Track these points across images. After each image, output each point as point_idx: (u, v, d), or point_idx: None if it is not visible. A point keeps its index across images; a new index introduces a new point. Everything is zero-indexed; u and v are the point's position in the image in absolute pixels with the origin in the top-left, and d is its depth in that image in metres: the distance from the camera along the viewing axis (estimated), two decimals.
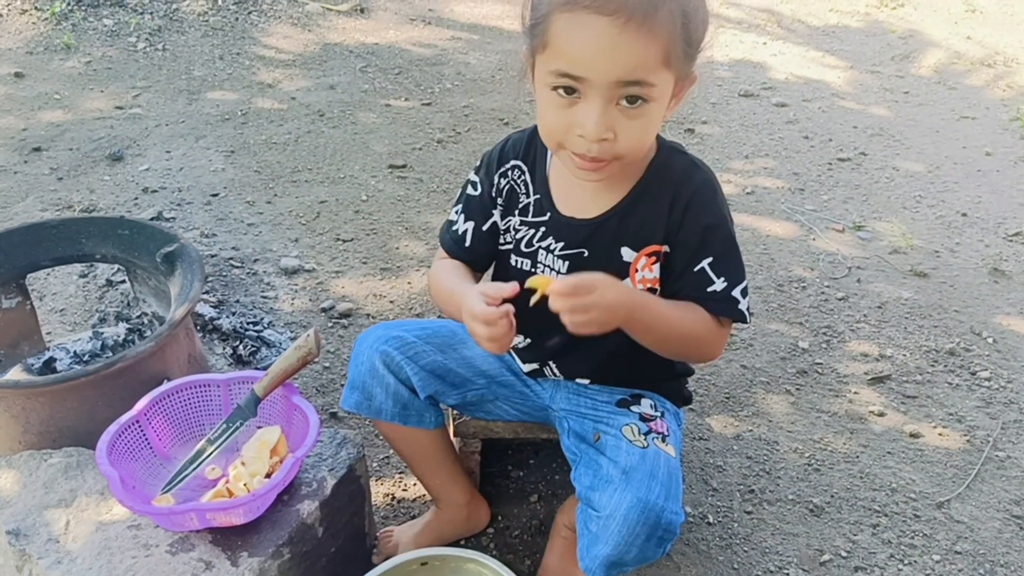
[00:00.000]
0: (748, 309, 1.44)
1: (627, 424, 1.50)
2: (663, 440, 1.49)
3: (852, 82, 3.72)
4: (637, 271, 1.45)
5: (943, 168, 3.12)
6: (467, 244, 1.58)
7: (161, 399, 1.62)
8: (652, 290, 1.45)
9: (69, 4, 3.97)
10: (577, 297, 1.24)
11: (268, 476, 1.50)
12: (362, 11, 4.21)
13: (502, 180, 1.53)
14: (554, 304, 1.25)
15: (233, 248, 2.64)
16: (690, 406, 1.82)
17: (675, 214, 1.40)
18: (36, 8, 3.97)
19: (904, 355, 2.33)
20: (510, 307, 1.28)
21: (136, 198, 2.87)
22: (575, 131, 1.27)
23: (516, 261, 1.55)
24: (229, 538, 1.44)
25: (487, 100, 3.49)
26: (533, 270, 1.52)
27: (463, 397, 1.64)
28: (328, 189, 2.95)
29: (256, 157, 3.12)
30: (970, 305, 2.50)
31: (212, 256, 2.59)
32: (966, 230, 2.80)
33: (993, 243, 2.73)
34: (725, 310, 1.43)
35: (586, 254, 1.46)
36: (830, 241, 2.73)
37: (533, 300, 1.27)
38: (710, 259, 1.41)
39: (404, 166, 3.08)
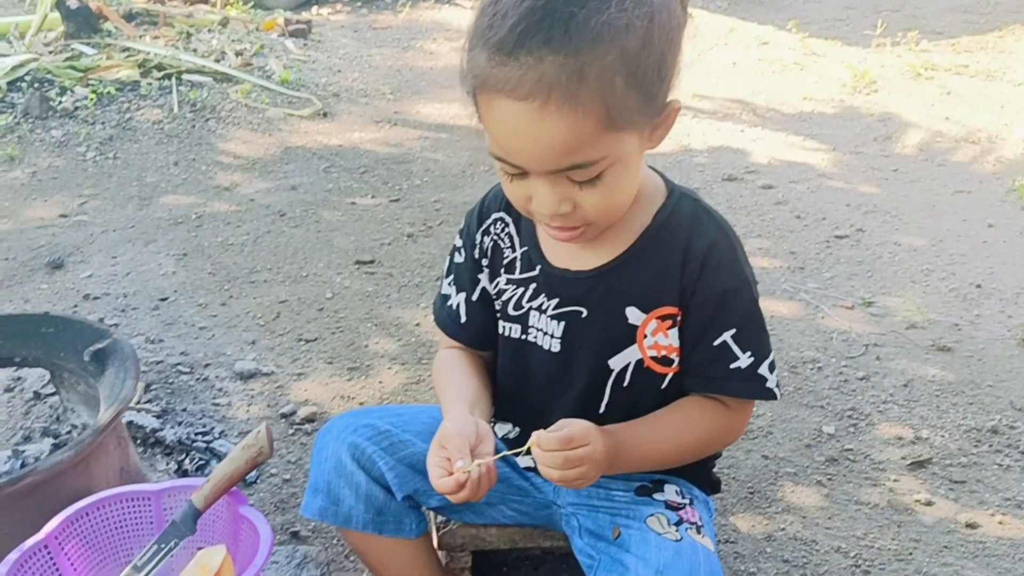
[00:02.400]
0: (778, 385, 1.23)
1: (652, 515, 1.24)
2: (698, 531, 1.22)
3: (837, 163, 3.60)
4: (645, 336, 1.21)
5: (947, 241, 2.95)
6: (463, 321, 1.35)
7: (77, 518, 1.33)
8: (667, 359, 1.23)
9: (16, 117, 3.79)
10: (571, 449, 1.08)
11: None
12: (325, 115, 4.06)
13: (485, 238, 1.32)
14: (541, 458, 1.08)
15: (182, 353, 2.36)
16: (719, 495, 1.54)
17: (689, 272, 1.18)
18: None
19: (942, 436, 2.07)
20: (472, 470, 1.09)
21: (75, 305, 2.60)
22: (533, 203, 1.09)
23: (505, 328, 1.32)
24: None
25: (459, 194, 3.31)
26: (523, 337, 1.28)
27: None
28: (289, 288, 2.70)
29: (211, 259, 2.87)
30: (1004, 379, 2.26)
31: (157, 363, 2.31)
32: (983, 301, 2.60)
33: (1016, 313, 2.53)
34: (751, 391, 1.22)
35: (584, 314, 1.23)
36: (840, 319, 2.51)
37: (523, 449, 1.12)
38: (732, 331, 1.19)
39: (372, 261, 2.85)
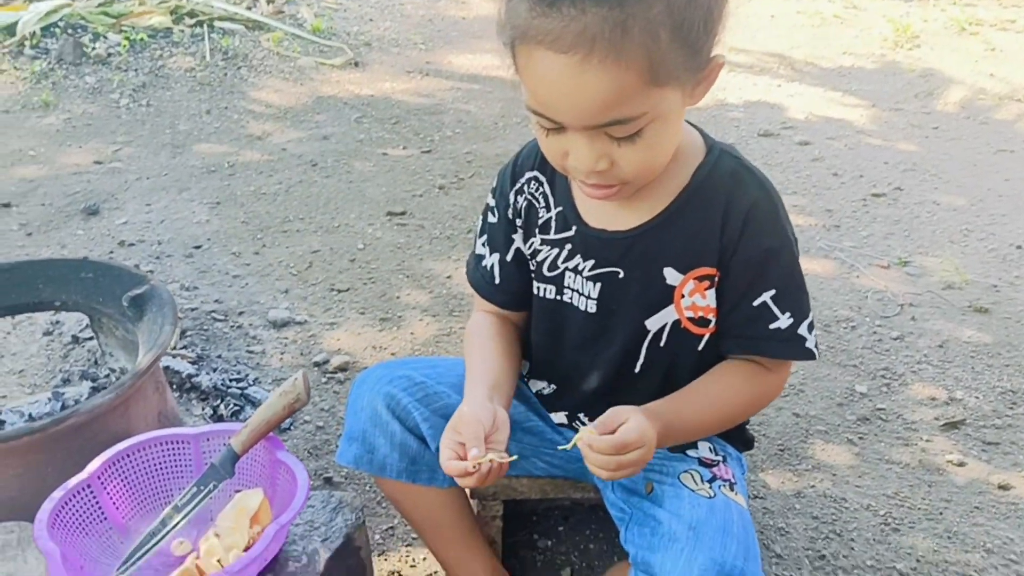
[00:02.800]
0: (816, 346, 1.20)
1: (686, 471, 1.24)
2: (731, 488, 1.22)
3: (876, 119, 3.53)
4: (683, 297, 1.19)
5: (987, 201, 2.90)
6: (497, 282, 1.34)
7: (119, 459, 1.34)
8: (704, 320, 1.20)
9: (49, 63, 3.80)
10: (626, 453, 1.06)
11: (247, 550, 1.22)
12: (357, 64, 4.04)
13: (519, 198, 1.29)
14: (592, 459, 1.06)
15: (216, 301, 2.38)
16: (750, 451, 1.54)
17: (729, 232, 1.15)
18: (15, 68, 3.80)
19: (977, 398, 2.05)
20: (483, 462, 1.08)
21: (111, 251, 2.62)
22: (569, 159, 1.06)
23: (540, 289, 1.29)
24: None
25: (491, 146, 3.28)
26: (559, 297, 1.27)
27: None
28: (321, 238, 2.71)
29: (244, 208, 2.88)
30: None
31: (192, 310, 2.33)
32: (1023, 263, 2.56)
33: None
34: (791, 351, 1.20)
35: (622, 275, 1.21)
36: (876, 278, 2.48)
37: (568, 446, 1.10)
38: (772, 292, 1.17)
39: (404, 213, 2.85)
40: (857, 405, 2.03)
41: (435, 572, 1.58)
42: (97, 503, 1.30)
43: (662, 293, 1.20)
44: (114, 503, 1.32)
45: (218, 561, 1.20)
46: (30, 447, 1.42)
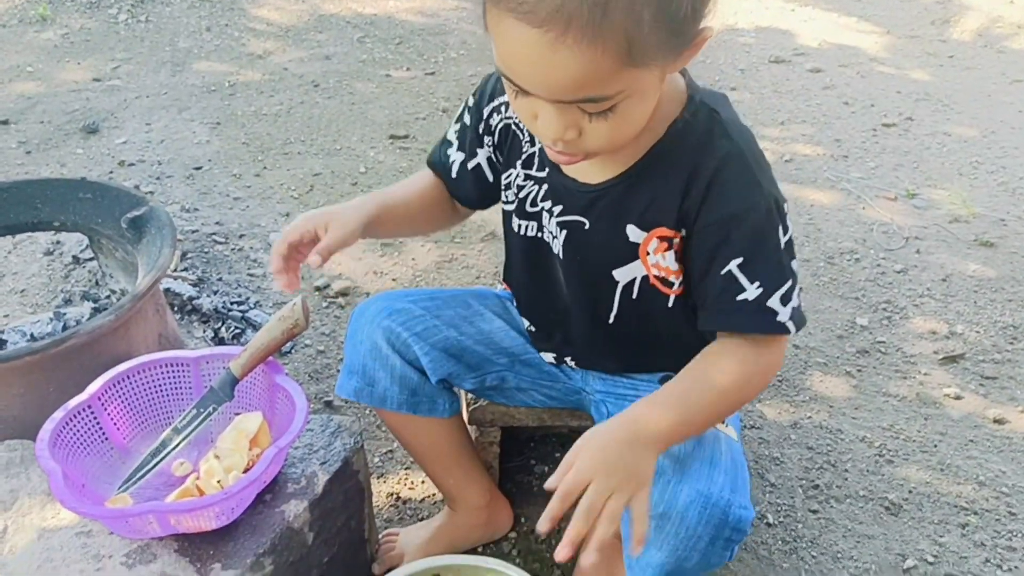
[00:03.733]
0: (793, 318, 1.08)
1: None
2: (721, 421, 1.22)
3: (890, 47, 3.45)
4: (649, 254, 1.14)
5: (999, 133, 2.85)
6: (453, 176, 1.31)
7: (119, 380, 1.35)
8: (667, 281, 1.15)
9: None
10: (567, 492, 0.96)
11: (247, 471, 1.24)
12: None
13: (495, 116, 1.24)
14: (574, 531, 0.95)
15: (216, 223, 2.37)
16: None
17: (693, 195, 1.08)
18: None
19: (977, 332, 2.05)
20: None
21: (111, 171, 2.60)
22: (538, 124, 0.98)
23: (520, 226, 1.26)
24: (199, 547, 1.18)
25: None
26: (539, 235, 1.24)
27: (481, 380, 1.37)
28: (323, 161, 2.68)
29: (244, 129, 2.85)
30: None
31: (193, 232, 2.32)
32: None
33: None
34: (758, 324, 1.08)
35: (587, 226, 1.16)
36: (882, 210, 2.46)
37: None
38: (739, 259, 1.06)
39: (406, 136, 2.81)
40: (857, 338, 2.03)
41: (433, 495, 1.61)
42: (98, 423, 1.31)
43: (626, 248, 1.15)
44: (115, 424, 1.33)
45: (218, 482, 1.21)
46: (31, 367, 1.43)
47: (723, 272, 1.07)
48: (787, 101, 3.01)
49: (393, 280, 2.20)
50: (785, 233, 1.08)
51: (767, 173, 1.09)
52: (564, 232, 1.19)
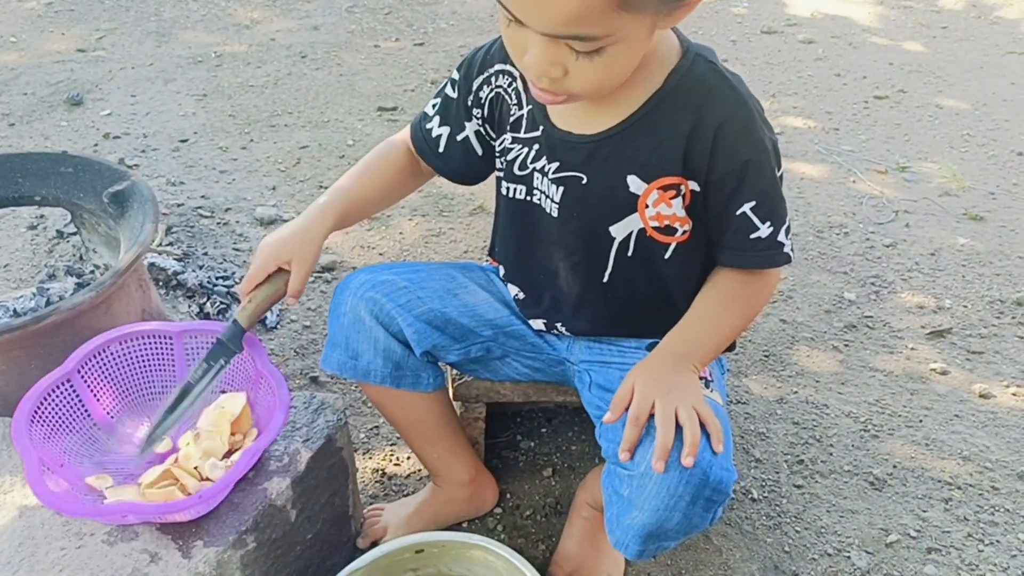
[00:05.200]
0: (792, 246, 1.20)
1: None
2: (706, 385, 1.22)
3: (883, 18, 3.42)
4: (647, 207, 1.16)
5: (991, 105, 2.84)
6: (441, 150, 1.32)
7: (97, 351, 1.33)
8: (671, 228, 1.18)
9: None
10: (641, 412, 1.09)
11: (227, 456, 1.23)
12: None
13: (484, 88, 1.25)
14: (624, 445, 1.11)
15: (202, 197, 2.35)
16: (732, 353, 1.54)
17: (700, 144, 1.11)
18: None
19: (965, 307, 2.05)
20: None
21: (96, 144, 2.57)
22: (526, 58, 1.00)
23: (508, 189, 1.27)
24: (180, 524, 1.18)
25: (485, 40, 3.17)
26: (528, 198, 1.24)
27: (466, 353, 1.36)
28: (310, 133, 2.66)
29: (231, 101, 2.82)
30: None
31: (179, 205, 2.31)
32: (1023, 170, 2.52)
33: None
34: (770, 259, 1.19)
35: (585, 180, 1.17)
36: (872, 183, 2.45)
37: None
38: (752, 203, 1.14)
39: (395, 108, 2.78)
40: (845, 312, 2.03)
41: (418, 471, 1.61)
42: (78, 397, 1.30)
43: (625, 201, 1.17)
44: (96, 396, 1.32)
45: (195, 468, 1.21)
46: (11, 344, 1.42)
47: (737, 213, 1.15)
48: (779, 73, 2.98)
49: (380, 254, 2.19)
50: (779, 168, 1.16)
51: (764, 117, 1.15)
52: (561, 189, 1.19)
